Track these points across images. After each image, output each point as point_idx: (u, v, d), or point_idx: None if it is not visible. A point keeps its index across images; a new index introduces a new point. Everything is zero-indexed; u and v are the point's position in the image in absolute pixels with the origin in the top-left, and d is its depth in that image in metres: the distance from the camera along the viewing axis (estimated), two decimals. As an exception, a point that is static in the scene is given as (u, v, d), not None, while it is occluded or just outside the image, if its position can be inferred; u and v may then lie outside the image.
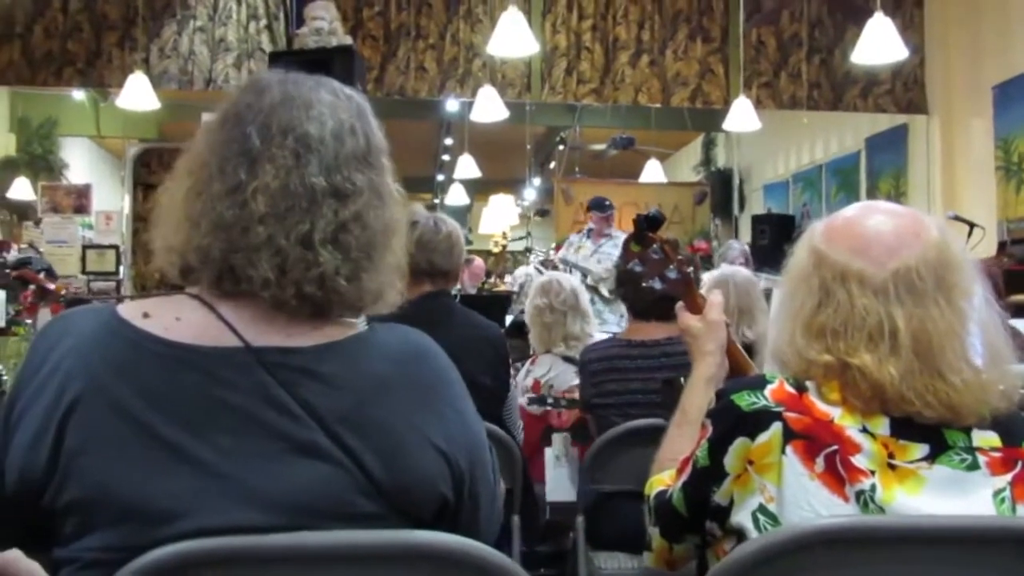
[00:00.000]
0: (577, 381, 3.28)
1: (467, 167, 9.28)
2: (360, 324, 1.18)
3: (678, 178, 12.65)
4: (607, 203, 7.09)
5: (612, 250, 6.87)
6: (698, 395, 1.66)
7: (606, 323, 6.32)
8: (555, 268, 6.44)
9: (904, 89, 7.60)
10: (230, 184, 1.13)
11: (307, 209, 1.12)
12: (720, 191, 11.15)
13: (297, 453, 1.06)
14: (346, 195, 1.15)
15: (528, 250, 10.24)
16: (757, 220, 8.17)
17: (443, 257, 2.79)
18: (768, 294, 3.35)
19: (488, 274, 10.10)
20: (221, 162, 1.14)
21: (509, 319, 5.57)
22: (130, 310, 1.12)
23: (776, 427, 1.25)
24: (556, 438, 3.18)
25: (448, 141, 12.25)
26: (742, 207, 11.08)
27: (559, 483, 3.10)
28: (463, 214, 14.04)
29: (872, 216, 1.34)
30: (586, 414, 2.93)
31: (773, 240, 7.91)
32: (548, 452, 3.16)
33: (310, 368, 1.09)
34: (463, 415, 1.18)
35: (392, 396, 1.11)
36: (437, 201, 14.39)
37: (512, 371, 4.03)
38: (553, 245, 7.35)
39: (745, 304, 3.16)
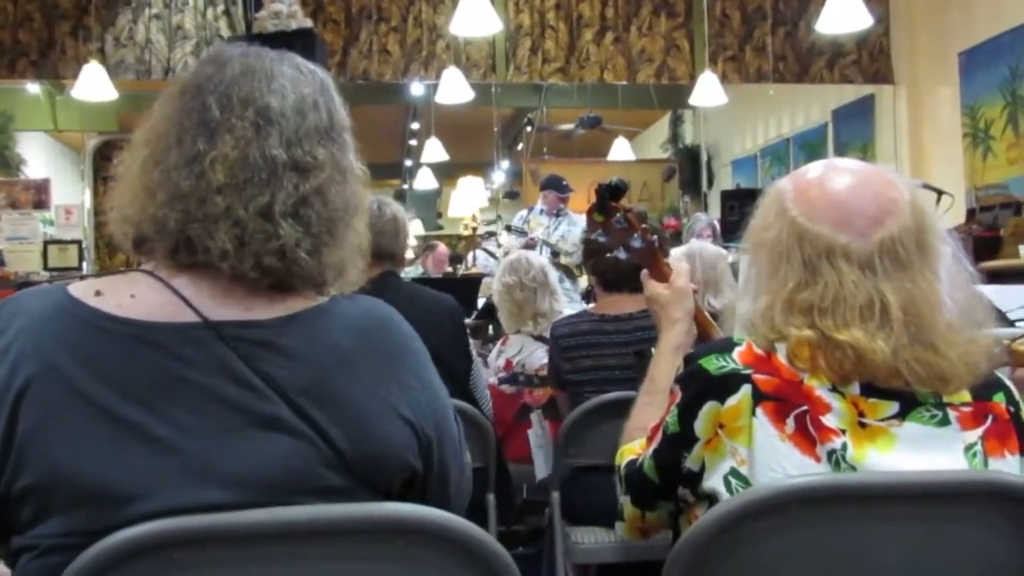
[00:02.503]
0: (542, 362, 3.29)
1: (435, 151, 9.24)
2: (323, 298, 1.17)
3: (646, 156, 12.67)
4: (564, 183, 7.13)
5: (570, 228, 6.92)
6: (666, 363, 1.66)
7: (573, 301, 6.36)
8: (531, 247, 6.48)
9: (870, 59, 7.64)
10: (188, 154, 1.11)
11: (267, 181, 1.12)
12: (688, 168, 11.19)
13: (260, 428, 1.05)
14: (307, 169, 1.14)
15: (491, 234, 10.26)
16: (726, 195, 8.19)
17: (390, 240, 2.83)
18: (732, 269, 3.39)
19: (457, 259, 10.10)
20: (179, 132, 1.13)
21: (481, 302, 5.58)
22: (82, 289, 1.10)
23: (745, 389, 1.25)
24: (535, 417, 3.20)
25: (415, 125, 12.19)
26: (711, 183, 11.12)
27: (545, 461, 3.12)
28: (432, 198, 14.01)
29: (841, 177, 1.33)
30: (558, 391, 2.92)
31: (742, 214, 7.94)
32: (532, 434, 3.18)
33: (270, 341, 1.08)
34: (428, 383, 1.18)
35: (355, 367, 1.11)
36: (406, 187, 14.34)
37: (482, 351, 4.03)
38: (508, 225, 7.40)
39: (711, 277, 3.19)
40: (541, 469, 3.15)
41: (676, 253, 3.27)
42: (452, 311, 2.91)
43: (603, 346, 2.76)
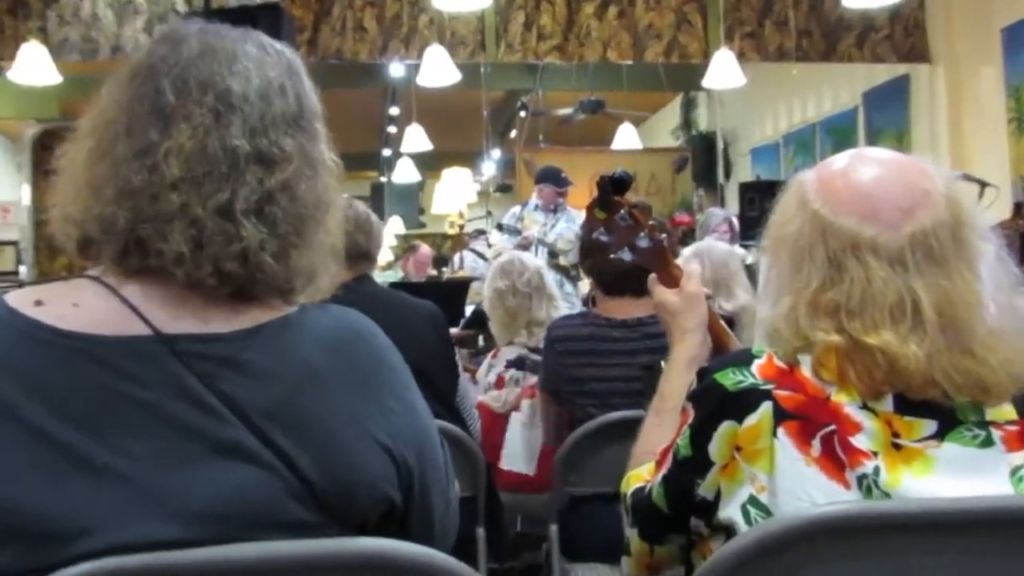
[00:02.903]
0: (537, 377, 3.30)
1: (416, 139, 9.25)
2: (290, 308, 1.17)
3: (655, 144, 12.70)
4: (563, 175, 7.16)
5: (569, 225, 6.95)
6: (678, 378, 1.66)
7: (574, 308, 6.37)
8: (525, 248, 6.53)
9: (904, 35, 7.67)
10: (139, 145, 1.11)
11: (227, 175, 1.12)
12: (702, 157, 11.22)
13: (218, 455, 1.04)
14: (273, 161, 1.14)
15: (480, 232, 10.28)
16: (745, 188, 8.20)
17: (364, 238, 2.84)
18: (751, 270, 3.40)
19: (443, 261, 10.11)
20: (130, 120, 1.13)
21: (470, 309, 5.58)
22: (20, 298, 1.09)
23: (765, 407, 1.25)
24: (525, 404, 3.22)
25: (394, 111, 12.19)
26: (728, 174, 11.15)
27: (515, 451, 3.15)
28: (413, 193, 14.02)
29: (868, 168, 1.34)
30: (550, 395, 2.93)
31: (763, 209, 7.96)
32: (515, 416, 3.21)
33: (231, 357, 1.08)
34: (409, 405, 1.18)
35: (327, 386, 1.11)
36: (384, 179, 14.35)
37: (470, 365, 4.04)
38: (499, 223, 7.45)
39: (722, 276, 3.21)
40: (517, 458, 3.20)
41: (684, 253, 3.29)
42: (434, 318, 2.93)
43: (607, 354, 2.76)
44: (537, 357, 3.35)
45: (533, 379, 3.47)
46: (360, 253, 2.86)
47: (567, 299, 6.33)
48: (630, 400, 2.57)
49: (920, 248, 1.27)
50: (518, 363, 3.45)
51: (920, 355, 1.23)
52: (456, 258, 9.42)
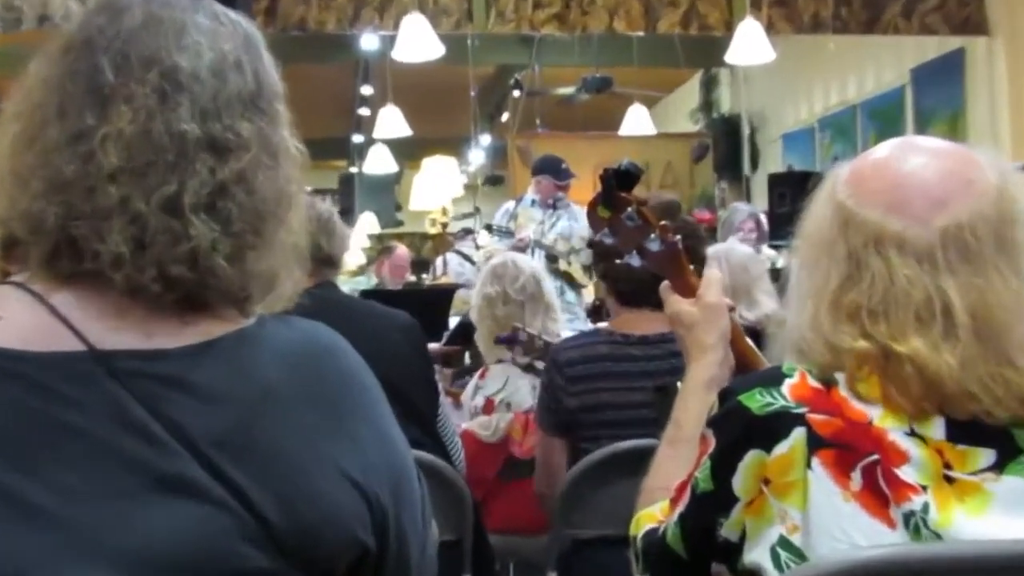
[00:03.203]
0: (535, 400, 3.29)
1: (392, 123, 9.24)
2: (247, 320, 1.18)
3: (670, 128, 12.72)
4: (563, 166, 7.19)
5: (571, 224, 6.98)
6: (695, 402, 1.68)
7: (576, 319, 6.39)
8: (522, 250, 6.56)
9: (958, 4, 7.69)
10: (72, 130, 1.11)
11: (174, 164, 1.12)
12: (726, 144, 11.25)
13: (163, 491, 1.04)
14: (227, 149, 1.15)
15: (467, 232, 10.30)
16: (775, 181, 8.24)
17: (328, 239, 2.87)
18: (778, 275, 3.42)
19: (423, 265, 10.12)
20: (62, 101, 1.13)
21: (454, 321, 5.58)
22: None
23: (798, 434, 1.27)
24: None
25: (366, 90, 12.18)
26: (755, 164, 11.18)
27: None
28: (389, 186, 14.02)
29: (910, 157, 1.36)
30: (554, 437, 2.92)
31: (795, 205, 7.98)
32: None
33: (178, 377, 1.08)
34: (384, 434, 1.19)
35: (289, 411, 1.11)
36: (354, 170, 14.34)
37: (454, 387, 4.05)
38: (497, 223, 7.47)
39: (741, 282, 3.25)
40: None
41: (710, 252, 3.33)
42: (408, 330, 2.98)
43: (626, 376, 2.77)
44: (533, 331, 3.41)
45: (529, 402, 3.47)
46: (322, 257, 2.90)
47: (568, 309, 6.36)
48: (652, 430, 2.58)
49: (953, 244, 1.29)
50: (508, 339, 3.48)
51: (953, 363, 1.25)
52: (439, 262, 9.43)
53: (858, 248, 1.32)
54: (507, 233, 7.10)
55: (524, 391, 3.57)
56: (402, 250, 9.06)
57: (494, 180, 13.81)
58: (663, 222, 1.84)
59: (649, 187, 10.04)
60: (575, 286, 6.94)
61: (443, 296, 6.11)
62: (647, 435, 2.51)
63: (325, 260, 2.93)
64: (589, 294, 6.95)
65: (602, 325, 3.23)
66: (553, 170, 7.18)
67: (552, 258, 6.92)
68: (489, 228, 7.46)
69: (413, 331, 3.01)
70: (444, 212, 10.98)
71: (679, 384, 1.78)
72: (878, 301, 1.30)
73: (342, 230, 3.04)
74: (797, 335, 1.37)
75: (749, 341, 1.83)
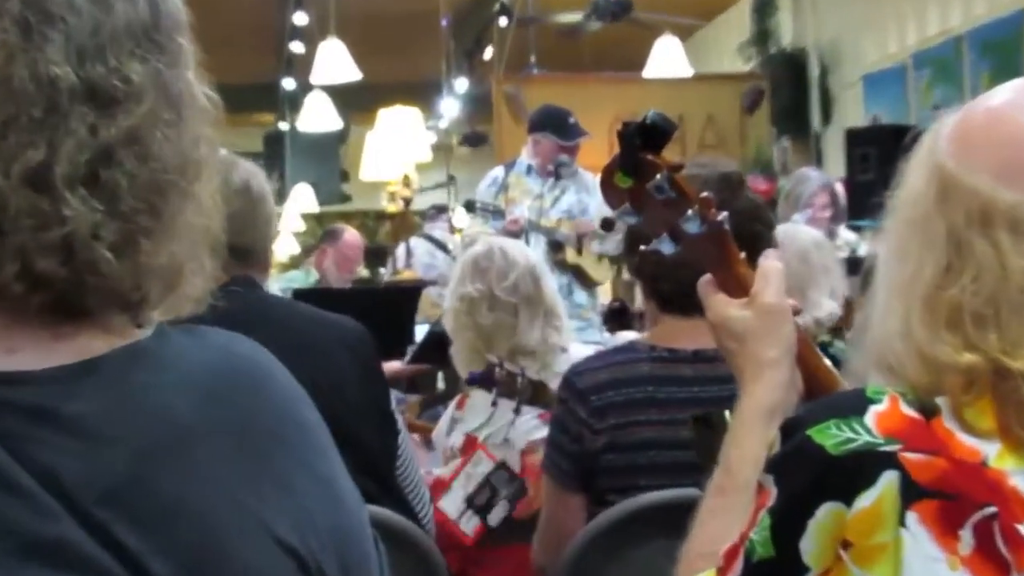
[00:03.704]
0: (540, 435, 3.28)
1: (335, 64, 9.26)
2: (141, 331, 1.18)
3: (712, 68, 12.78)
4: (571, 121, 7.19)
5: (580, 198, 6.98)
6: (750, 438, 1.69)
7: (590, 327, 6.39)
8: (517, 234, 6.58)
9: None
10: None
11: (41, 122, 1.12)
12: (787, 89, 11.32)
13: (33, 559, 1.04)
14: (113, 99, 1.15)
15: (439, 210, 10.29)
16: (855, 138, 8.26)
17: (241, 225, 2.83)
18: (855, 264, 3.40)
19: (379, 254, 10.12)
20: None
21: (422, 331, 5.58)
22: None
23: (889, 480, 1.27)
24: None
25: (299, 19, 12.23)
26: (827, 116, 11.23)
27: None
28: (331, 148, 14.07)
29: None
30: (570, 492, 2.90)
31: (884, 171, 7.98)
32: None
33: (49, 408, 1.08)
34: (328, 486, 1.21)
35: (199, 454, 1.12)
36: (284, 126, 14.36)
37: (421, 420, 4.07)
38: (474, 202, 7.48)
39: (800, 275, 3.22)
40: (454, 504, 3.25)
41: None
42: (358, 345, 3.01)
43: (675, 406, 2.74)
44: (515, 369, 3.42)
45: (526, 440, 3.47)
46: (241, 245, 2.89)
47: (578, 315, 6.36)
48: (701, 477, 2.58)
49: None
50: (481, 379, 3.45)
51: None
52: (400, 250, 9.45)
53: (959, 227, 1.33)
54: (494, 212, 7.10)
55: (520, 425, 3.55)
56: (351, 235, 9.02)
57: (475, 139, 13.84)
58: (704, 194, 1.84)
59: (685, 149, 10.06)
60: (587, 284, 6.95)
61: (407, 297, 6.13)
62: (694, 484, 2.54)
63: (244, 249, 2.93)
64: (605, 294, 6.96)
65: (635, 336, 3.21)
66: (556, 125, 7.18)
67: (555, 246, 6.93)
68: (469, 205, 7.46)
69: (364, 346, 3.02)
70: (407, 183, 10.92)
71: (728, 414, 1.78)
72: (985, 300, 1.30)
73: (269, 207, 3.05)
74: (884, 346, 1.38)
75: (823, 357, 1.83)
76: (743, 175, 2.76)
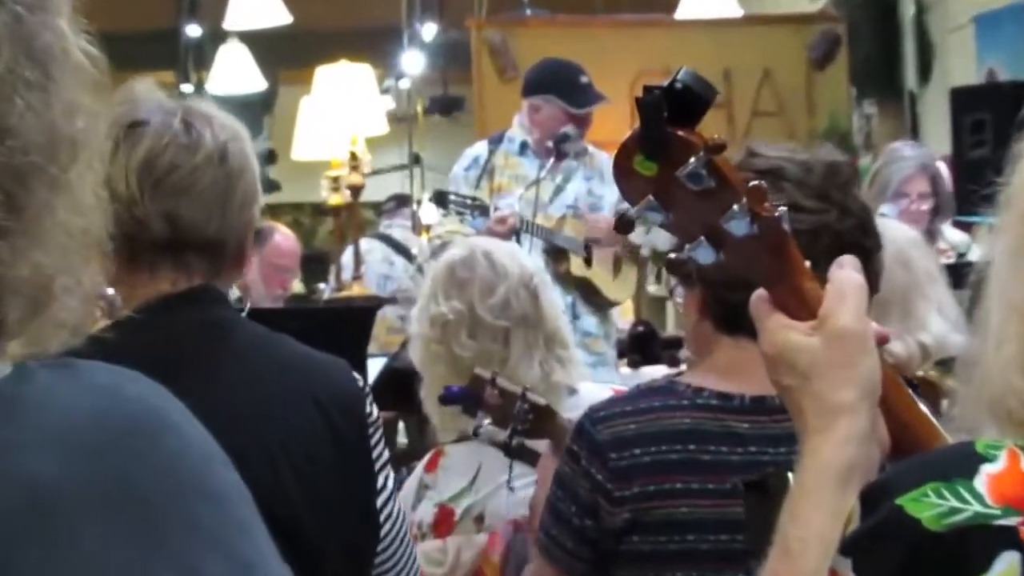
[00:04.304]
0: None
1: (256, 4, 9.27)
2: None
3: (769, 9, 12.74)
4: (582, 79, 7.17)
5: (591, 185, 6.96)
6: (818, 511, 1.68)
7: (603, 364, 6.37)
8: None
9: None
10: None
11: None
12: (873, 35, 11.26)
13: None
14: None
15: (399, 202, 10.25)
16: (964, 99, 8.25)
17: (209, 210, 2.85)
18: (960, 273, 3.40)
19: (317, 263, 10.10)
20: None
21: (377, 366, 5.58)
22: None
23: (1009, 563, 1.29)
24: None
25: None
26: (926, 71, 11.20)
27: None
28: (252, 115, 13.96)
29: None
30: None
31: (1002, 146, 7.96)
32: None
33: None
34: (247, 570, 1.21)
35: (69, 529, 1.12)
36: (188, 87, 14.31)
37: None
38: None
39: (905, 286, 3.21)
40: None
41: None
42: (329, 398, 2.92)
43: (726, 471, 2.73)
44: (512, 387, 3.40)
45: (520, 510, 3.49)
46: (204, 243, 2.89)
47: (587, 344, 6.33)
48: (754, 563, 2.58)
49: None
50: (463, 396, 3.45)
51: None
52: (347, 257, 9.41)
53: None
54: (474, 207, 6.98)
55: (501, 494, 3.57)
56: (282, 238, 8.99)
57: (447, 105, 13.77)
58: (754, 182, 1.82)
59: (732, 118, 10.05)
60: (598, 304, 6.89)
61: (356, 321, 6.08)
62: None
63: (211, 245, 2.91)
64: (622, 317, 6.96)
65: (673, 372, 3.21)
66: (563, 87, 7.14)
67: (556, 253, 6.88)
68: (440, 198, 7.29)
69: (345, 402, 2.96)
70: (355, 165, 10.89)
71: (790, 476, 1.78)
72: None
73: (250, 182, 2.98)
74: (999, 383, 1.40)
75: (916, 400, 1.84)
76: (855, 169, 2.72)
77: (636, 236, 6.72)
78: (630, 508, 2.79)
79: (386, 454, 3.08)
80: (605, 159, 6.89)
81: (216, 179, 2.88)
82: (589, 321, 6.77)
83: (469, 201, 7.07)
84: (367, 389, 3.08)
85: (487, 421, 3.46)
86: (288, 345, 2.99)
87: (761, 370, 2.52)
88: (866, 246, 2.61)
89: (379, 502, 3.02)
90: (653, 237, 6.71)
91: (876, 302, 3.14)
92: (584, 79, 7.21)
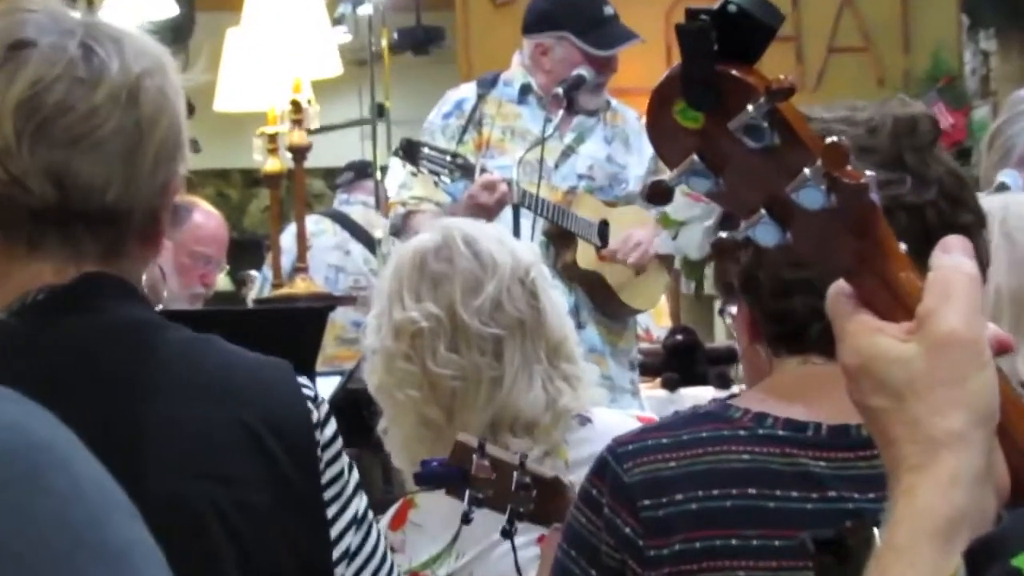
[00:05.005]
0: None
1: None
2: None
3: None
4: (608, 13, 7.20)
5: (611, 149, 6.96)
6: (915, 570, 1.69)
7: (622, 391, 6.38)
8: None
9: None
10: None
11: None
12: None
13: None
14: None
15: (359, 170, 10.28)
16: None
17: (107, 163, 2.82)
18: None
19: (250, 250, 10.17)
20: None
21: (329, 385, 5.61)
22: None
23: None
24: None
25: None
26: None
27: None
28: (173, 48, 14.05)
29: None
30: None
31: None
32: None
33: None
34: None
35: None
36: (77, 15, 14.37)
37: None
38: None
39: (1012, 280, 3.22)
40: None
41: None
42: (262, 418, 2.91)
43: (794, 521, 2.73)
44: (508, 457, 3.38)
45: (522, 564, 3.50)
46: (100, 213, 2.87)
47: (596, 358, 6.35)
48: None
49: None
50: (443, 475, 3.44)
51: None
52: (286, 238, 9.45)
53: None
54: (453, 165, 6.92)
55: (504, 556, 3.58)
56: (203, 217, 9.03)
57: (421, 39, 13.87)
58: (832, 138, 1.80)
59: (801, 55, 10.10)
60: (612, 310, 6.89)
61: (299, 328, 6.12)
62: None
63: (111, 215, 2.88)
64: (650, 326, 6.96)
65: (724, 395, 3.22)
66: (581, 20, 7.21)
67: (561, 237, 6.90)
68: (411, 149, 7.11)
69: (295, 424, 2.97)
70: (298, 116, 10.89)
71: (875, 531, 1.78)
72: None
73: (172, 129, 2.95)
74: None
75: None
76: (936, 119, 2.69)
77: (662, 242, 6.63)
78: (669, 571, 2.80)
79: (348, 493, 3.04)
80: (633, 117, 6.93)
81: (122, 126, 2.83)
82: (592, 333, 6.72)
83: (448, 158, 7.04)
84: (321, 402, 3.04)
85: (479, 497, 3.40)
86: (217, 351, 3.00)
87: (840, 391, 2.52)
88: (960, 222, 2.58)
89: (334, 558, 3.00)
90: (683, 242, 6.58)
91: (1007, 305, 3.15)
92: (609, 10, 7.25)
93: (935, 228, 1.90)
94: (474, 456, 3.32)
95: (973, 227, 2.64)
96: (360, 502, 3.10)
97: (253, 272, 9.72)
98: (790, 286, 2.75)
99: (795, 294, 2.76)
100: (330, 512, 3.00)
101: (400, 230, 6.93)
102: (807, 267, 2.54)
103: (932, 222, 2.36)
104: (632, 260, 6.92)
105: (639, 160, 6.76)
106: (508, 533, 3.43)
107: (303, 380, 3.05)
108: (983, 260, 2.65)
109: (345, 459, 3.07)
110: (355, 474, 3.09)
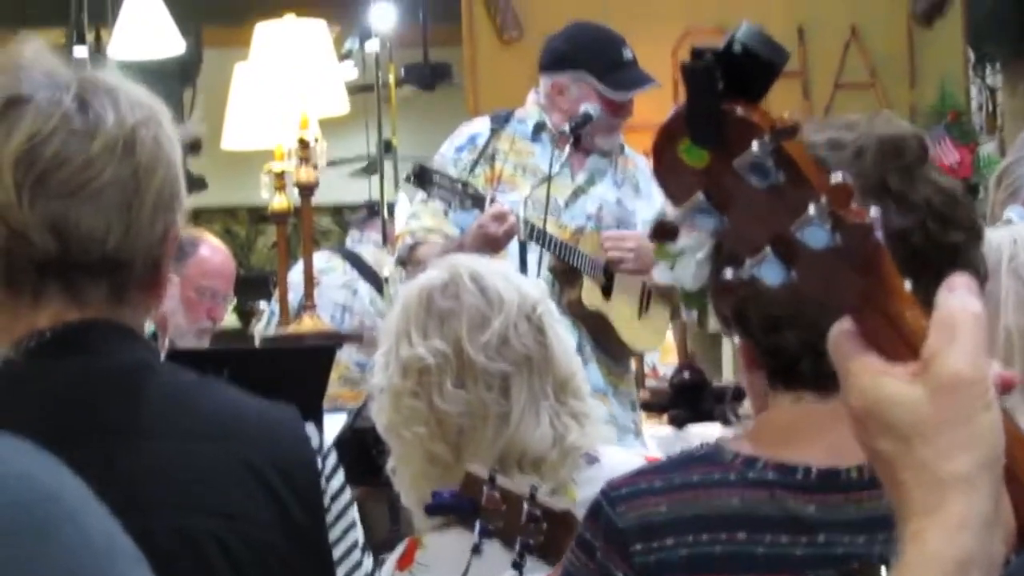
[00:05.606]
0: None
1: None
2: None
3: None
4: (626, 57, 7.19)
5: (620, 192, 6.96)
6: None
7: (624, 429, 6.38)
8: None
9: None
10: None
11: None
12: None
13: None
14: None
15: (369, 210, 10.25)
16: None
17: (106, 213, 2.83)
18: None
19: (257, 287, 10.15)
20: None
21: (336, 424, 5.61)
22: None
23: None
24: None
25: None
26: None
27: None
28: (168, 88, 14.07)
29: None
30: None
31: None
32: None
33: None
34: None
35: None
36: (82, 50, 14.40)
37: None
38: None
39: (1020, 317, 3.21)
40: None
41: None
42: (267, 463, 2.91)
43: (786, 568, 2.75)
44: (518, 489, 3.37)
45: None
46: (101, 263, 2.87)
47: (600, 397, 6.34)
48: None
49: None
50: (450, 505, 3.43)
51: None
52: (294, 274, 9.44)
53: None
54: (465, 193, 6.95)
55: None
56: (210, 252, 9.02)
57: (429, 75, 13.89)
58: (837, 177, 1.79)
59: (808, 92, 10.10)
60: (615, 350, 6.88)
61: (307, 368, 6.10)
62: None
63: (111, 265, 2.89)
64: (658, 365, 6.96)
65: (729, 433, 3.20)
66: (600, 62, 7.22)
67: (567, 275, 6.89)
68: (423, 175, 7.04)
69: (300, 468, 2.96)
70: (305, 153, 10.90)
71: (883, 570, 1.78)
72: None
73: (169, 179, 2.96)
74: None
75: None
76: (924, 139, 2.69)
77: (660, 273, 6.56)
78: None
79: (352, 538, 3.05)
80: (643, 163, 6.92)
81: (119, 176, 2.85)
82: (595, 373, 6.73)
83: (460, 186, 7.03)
84: (326, 447, 3.02)
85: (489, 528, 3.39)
86: (221, 394, 3.00)
87: (830, 434, 2.71)
88: (950, 242, 2.60)
89: None
90: (680, 273, 6.55)
91: (1004, 343, 3.13)
92: (628, 54, 7.24)
93: (922, 250, 1.89)
94: (484, 487, 3.31)
95: (964, 244, 2.66)
96: (367, 562, 3.12)
97: (262, 303, 9.66)
98: (779, 321, 2.77)
99: (784, 328, 2.79)
100: (336, 555, 3.01)
101: (407, 260, 6.95)
102: (796, 302, 2.61)
103: (918, 244, 2.35)
104: (613, 255, 7.00)
105: (648, 205, 6.77)
106: (519, 566, 3.42)
107: (310, 429, 3.04)
108: (980, 276, 2.66)
109: (354, 513, 3.08)
110: (360, 531, 3.11)
